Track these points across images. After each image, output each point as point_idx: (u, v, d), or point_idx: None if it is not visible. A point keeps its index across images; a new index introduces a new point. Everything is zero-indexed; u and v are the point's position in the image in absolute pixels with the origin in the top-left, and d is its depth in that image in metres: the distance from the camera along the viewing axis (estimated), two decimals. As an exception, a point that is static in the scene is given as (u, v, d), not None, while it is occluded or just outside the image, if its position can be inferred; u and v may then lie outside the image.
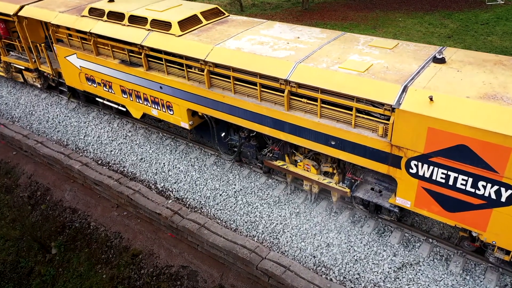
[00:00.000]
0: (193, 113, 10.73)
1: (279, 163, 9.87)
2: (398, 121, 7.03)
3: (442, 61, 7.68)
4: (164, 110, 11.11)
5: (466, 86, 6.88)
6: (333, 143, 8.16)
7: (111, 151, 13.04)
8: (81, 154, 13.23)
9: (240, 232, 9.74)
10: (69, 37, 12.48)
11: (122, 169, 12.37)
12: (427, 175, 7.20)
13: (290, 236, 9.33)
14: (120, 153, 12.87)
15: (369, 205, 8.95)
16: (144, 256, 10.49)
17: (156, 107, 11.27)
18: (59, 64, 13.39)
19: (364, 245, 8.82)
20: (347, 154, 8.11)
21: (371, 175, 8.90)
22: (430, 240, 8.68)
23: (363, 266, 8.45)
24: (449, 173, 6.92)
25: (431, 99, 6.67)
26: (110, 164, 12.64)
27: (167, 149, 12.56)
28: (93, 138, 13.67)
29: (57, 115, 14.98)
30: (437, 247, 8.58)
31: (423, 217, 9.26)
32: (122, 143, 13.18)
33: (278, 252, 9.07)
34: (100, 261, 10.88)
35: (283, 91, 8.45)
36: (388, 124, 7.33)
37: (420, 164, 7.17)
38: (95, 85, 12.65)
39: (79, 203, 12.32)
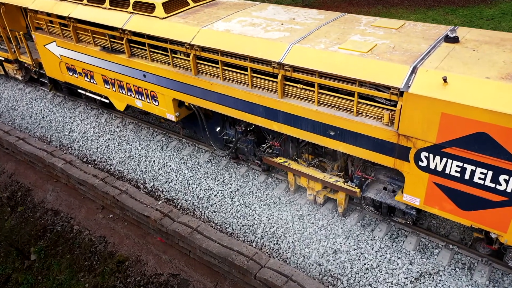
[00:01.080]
0: (179, 104, 9.88)
1: (279, 160, 8.92)
2: (406, 107, 6.20)
3: (455, 40, 6.89)
4: (148, 100, 10.23)
5: (485, 66, 6.08)
6: (332, 133, 7.33)
7: (97, 148, 12.06)
8: (65, 151, 12.25)
9: (237, 237, 8.79)
10: (48, 24, 11.53)
11: (108, 168, 11.40)
12: (439, 168, 6.36)
13: (292, 242, 8.38)
14: (107, 150, 11.90)
15: (381, 207, 8.01)
16: (130, 263, 9.54)
17: (140, 98, 10.38)
18: (39, 54, 12.44)
19: (376, 251, 7.87)
20: (348, 146, 7.27)
21: (383, 172, 7.96)
22: (450, 246, 7.74)
23: (375, 276, 7.49)
24: (465, 165, 6.10)
25: (445, 80, 5.86)
26: (96, 162, 11.67)
27: (157, 146, 11.60)
28: (79, 134, 12.69)
29: (41, 110, 14.00)
30: (458, 254, 7.63)
31: (440, 220, 8.32)
32: (109, 139, 12.20)
33: (279, 260, 8.12)
34: (82, 268, 9.90)
35: (276, 76, 7.62)
36: (395, 110, 6.51)
37: (431, 155, 6.33)
38: (76, 76, 11.70)
39: (62, 204, 11.35)
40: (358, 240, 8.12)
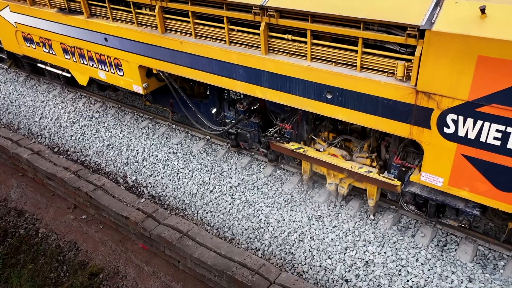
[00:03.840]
0: (148, 73, 8.26)
1: (292, 146, 7.08)
2: (428, 52, 4.64)
3: None
4: (112, 71, 8.56)
5: None
6: (329, 96, 5.77)
7: (71, 135, 10.21)
8: (33, 140, 10.40)
9: (238, 244, 6.98)
10: None
11: (83, 159, 9.56)
12: (471, 135, 4.81)
13: (310, 250, 6.56)
14: (82, 139, 10.05)
15: (425, 205, 6.18)
16: (106, 275, 7.75)
17: (103, 68, 8.69)
18: None
19: (422, 264, 6.04)
20: (350, 112, 5.68)
21: (430, 161, 6.13)
22: (520, 256, 5.93)
23: (423, 297, 5.67)
24: (509, 129, 4.54)
25: (483, 11, 4.36)
26: (69, 153, 9.83)
27: (143, 133, 9.76)
28: (51, 120, 10.84)
29: (10, 93, 12.15)
30: (531, 268, 5.82)
31: (499, 223, 6.49)
32: (86, 125, 10.36)
33: (293, 274, 6.30)
34: (47, 281, 8.09)
35: (258, 27, 6.00)
36: (412, 60, 4.91)
37: (461, 118, 4.78)
38: (34, 46, 9.93)
39: (27, 203, 9.51)
40: (396, 249, 6.29)
